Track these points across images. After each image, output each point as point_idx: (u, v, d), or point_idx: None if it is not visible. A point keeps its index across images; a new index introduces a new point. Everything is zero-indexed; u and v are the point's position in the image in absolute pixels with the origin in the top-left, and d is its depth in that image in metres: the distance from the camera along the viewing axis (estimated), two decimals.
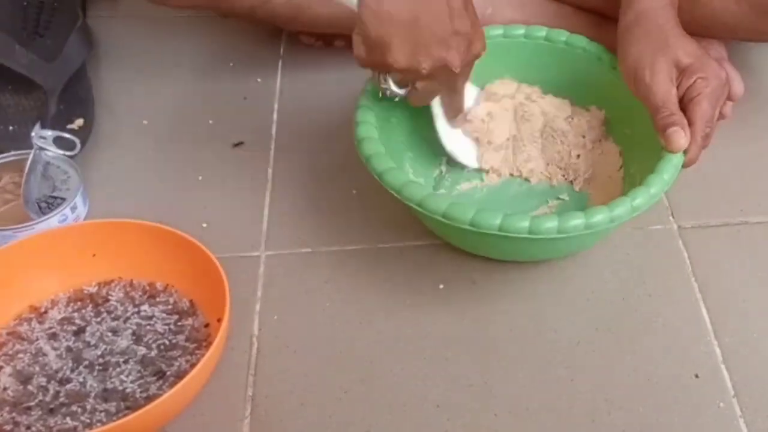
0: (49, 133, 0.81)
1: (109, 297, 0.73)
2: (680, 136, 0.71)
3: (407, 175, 0.79)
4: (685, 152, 0.72)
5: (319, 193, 0.85)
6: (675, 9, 0.78)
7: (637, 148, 0.81)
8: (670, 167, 0.71)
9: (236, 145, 0.89)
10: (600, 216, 0.69)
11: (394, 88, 0.76)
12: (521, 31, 0.85)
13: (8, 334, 0.71)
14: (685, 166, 0.73)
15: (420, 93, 0.77)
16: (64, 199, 0.79)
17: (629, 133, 0.82)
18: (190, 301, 0.73)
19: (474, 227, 0.69)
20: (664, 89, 0.73)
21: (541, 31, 0.85)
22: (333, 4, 0.72)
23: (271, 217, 0.83)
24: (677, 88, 0.73)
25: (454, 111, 0.81)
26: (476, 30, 0.72)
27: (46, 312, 0.72)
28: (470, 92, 0.83)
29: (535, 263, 0.79)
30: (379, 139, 0.75)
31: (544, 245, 0.72)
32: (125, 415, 0.62)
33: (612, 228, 0.72)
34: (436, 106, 0.81)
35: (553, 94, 0.85)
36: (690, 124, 0.72)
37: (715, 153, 0.89)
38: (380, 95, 0.77)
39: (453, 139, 0.83)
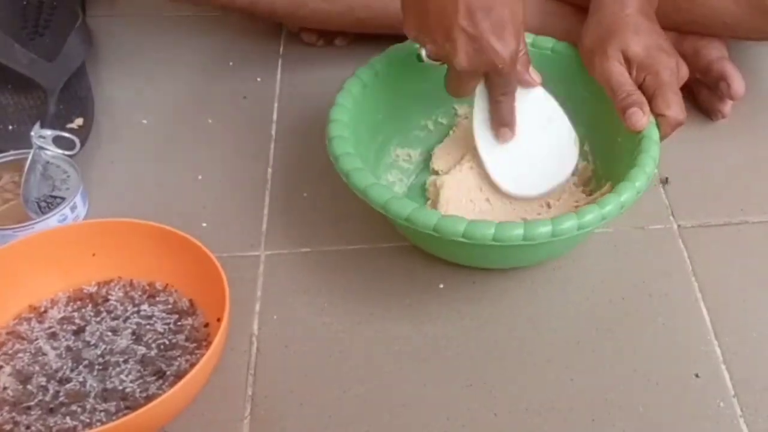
0: (49, 133, 0.81)
1: (109, 296, 0.73)
2: (639, 116, 0.74)
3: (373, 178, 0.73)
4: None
5: (319, 192, 0.85)
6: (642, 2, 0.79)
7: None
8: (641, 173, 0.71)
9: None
10: (569, 223, 0.68)
11: (424, 56, 0.70)
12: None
13: (8, 333, 0.71)
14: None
15: (453, 79, 0.72)
16: (63, 199, 0.79)
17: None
18: (190, 301, 0.73)
19: (437, 233, 0.68)
20: (617, 71, 0.76)
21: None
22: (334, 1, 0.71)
23: (271, 216, 0.83)
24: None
25: (496, 121, 0.76)
26: (502, 39, 0.67)
27: (45, 311, 0.72)
28: (538, 104, 0.77)
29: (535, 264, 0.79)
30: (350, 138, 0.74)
31: (510, 252, 0.72)
32: (125, 415, 0.62)
33: (581, 234, 0.70)
34: (479, 106, 0.75)
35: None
36: (660, 113, 0.75)
37: (715, 153, 0.90)
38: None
39: (493, 154, 0.77)
